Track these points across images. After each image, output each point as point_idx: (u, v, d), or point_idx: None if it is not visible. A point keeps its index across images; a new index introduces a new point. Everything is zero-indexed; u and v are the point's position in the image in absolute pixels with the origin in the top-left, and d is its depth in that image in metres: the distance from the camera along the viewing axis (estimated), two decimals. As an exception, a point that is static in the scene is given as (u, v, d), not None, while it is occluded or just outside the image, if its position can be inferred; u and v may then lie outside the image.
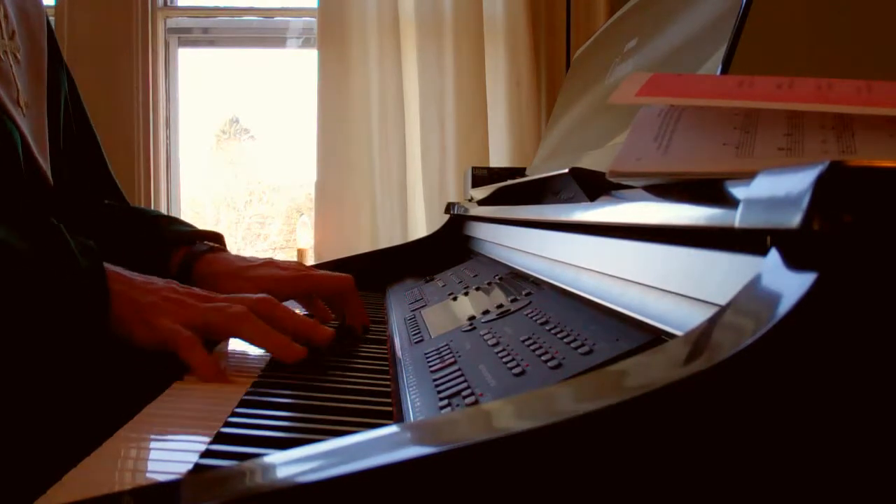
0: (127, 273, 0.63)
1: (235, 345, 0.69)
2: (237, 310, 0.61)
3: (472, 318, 0.63)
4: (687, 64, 0.65)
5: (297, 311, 0.83)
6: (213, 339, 0.65)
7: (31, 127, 0.74)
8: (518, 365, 0.45)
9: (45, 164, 0.76)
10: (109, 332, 0.59)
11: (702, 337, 0.27)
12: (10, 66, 0.74)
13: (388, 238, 1.88)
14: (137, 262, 0.72)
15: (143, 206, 1.97)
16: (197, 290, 0.65)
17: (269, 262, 0.83)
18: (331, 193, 1.90)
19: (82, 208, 0.85)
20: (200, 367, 0.58)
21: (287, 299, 0.86)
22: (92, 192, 0.90)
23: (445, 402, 0.45)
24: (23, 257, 0.56)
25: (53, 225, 0.61)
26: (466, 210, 1.21)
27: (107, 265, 0.61)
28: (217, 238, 0.88)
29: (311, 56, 1.97)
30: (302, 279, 0.81)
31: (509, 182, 0.99)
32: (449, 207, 1.36)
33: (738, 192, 0.32)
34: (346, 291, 0.81)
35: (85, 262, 0.59)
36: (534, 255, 0.71)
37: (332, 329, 0.67)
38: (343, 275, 0.83)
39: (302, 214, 2.38)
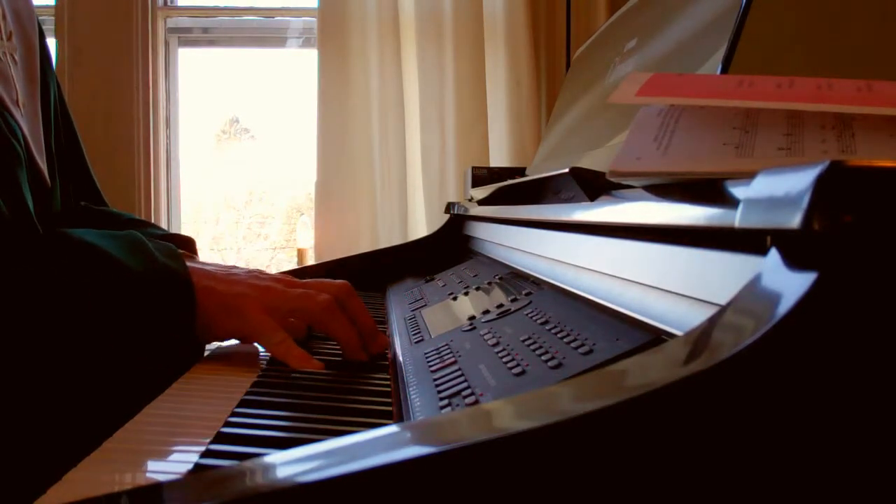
0: (209, 268, 0.65)
1: (235, 344, 0.69)
2: (325, 299, 0.63)
3: (472, 317, 0.63)
4: (687, 64, 0.65)
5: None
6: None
7: (28, 127, 0.74)
8: (518, 365, 0.45)
9: (42, 165, 0.76)
10: (197, 328, 0.60)
11: (702, 337, 0.27)
12: (9, 66, 0.74)
13: (388, 238, 1.88)
14: None
15: (142, 205, 1.97)
16: (278, 275, 0.67)
17: (231, 269, 0.77)
18: (331, 193, 1.90)
19: (67, 208, 0.85)
20: (298, 364, 0.60)
21: None
22: (75, 195, 0.90)
23: (445, 401, 0.45)
24: (121, 264, 0.57)
25: (134, 233, 0.63)
26: (466, 210, 1.21)
27: (189, 263, 0.62)
28: (188, 243, 0.87)
29: (311, 56, 1.97)
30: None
31: (509, 182, 0.99)
32: (449, 207, 1.36)
33: (738, 192, 0.32)
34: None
35: (167, 261, 0.60)
36: (534, 254, 0.71)
37: (387, 339, 0.68)
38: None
39: (302, 214, 2.38)
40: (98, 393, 0.60)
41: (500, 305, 0.62)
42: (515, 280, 0.72)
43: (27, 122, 0.75)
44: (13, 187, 0.68)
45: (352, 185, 1.90)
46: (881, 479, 0.23)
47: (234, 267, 0.69)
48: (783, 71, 0.44)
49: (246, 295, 0.61)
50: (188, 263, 0.62)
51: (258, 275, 0.66)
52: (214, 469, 0.37)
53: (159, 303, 0.58)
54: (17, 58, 0.76)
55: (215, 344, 0.69)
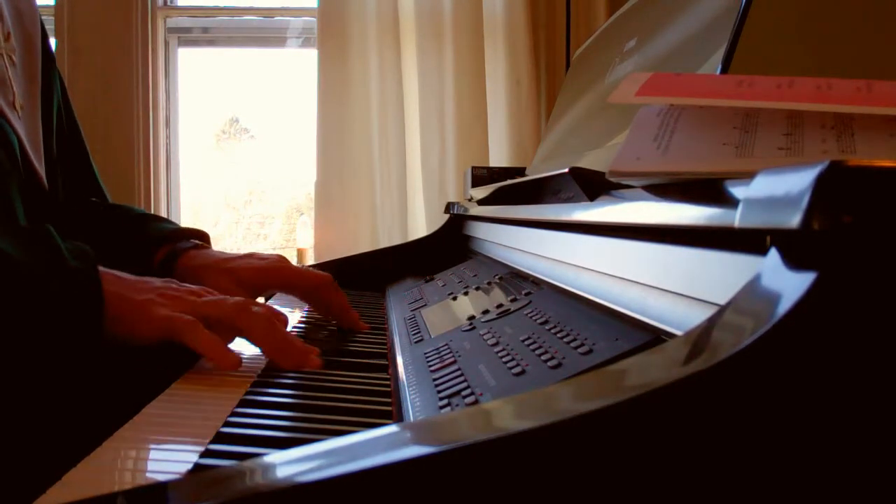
0: (121, 274, 0.63)
1: (234, 345, 0.69)
2: (237, 303, 0.61)
3: (471, 317, 0.63)
4: (687, 64, 0.65)
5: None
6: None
7: (26, 129, 0.74)
8: (518, 365, 0.45)
9: (40, 167, 0.76)
10: (107, 333, 0.58)
11: (701, 337, 0.27)
12: (6, 68, 0.74)
13: (388, 238, 1.88)
14: (120, 259, 0.71)
15: (142, 205, 1.97)
16: (192, 286, 0.65)
17: (250, 255, 0.84)
18: (331, 193, 1.90)
19: (70, 207, 0.85)
20: (206, 349, 0.57)
21: (265, 290, 0.86)
22: (79, 193, 0.90)
23: (445, 401, 0.45)
24: (14, 261, 0.56)
25: (45, 229, 0.61)
26: (466, 210, 1.21)
27: (101, 269, 0.60)
28: (202, 236, 0.87)
29: (311, 56, 1.97)
30: (278, 270, 0.82)
31: (509, 182, 0.99)
32: (449, 207, 1.36)
33: (738, 191, 0.32)
34: (320, 288, 0.81)
35: (77, 264, 0.59)
36: (534, 254, 0.71)
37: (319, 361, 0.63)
38: (321, 273, 0.83)
39: (302, 214, 2.38)
40: (90, 391, 0.60)
41: (500, 305, 0.62)
42: (515, 280, 0.72)
43: (25, 124, 0.75)
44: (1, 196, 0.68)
45: (352, 185, 1.90)
46: (880, 478, 0.23)
47: (150, 278, 0.66)
48: (783, 71, 0.44)
49: (152, 300, 0.60)
50: (101, 269, 0.60)
51: (171, 285, 0.64)
52: (214, 469, 0.37)
53: (64, 300, 0.56)
54: (15, 58, 0.76)
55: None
